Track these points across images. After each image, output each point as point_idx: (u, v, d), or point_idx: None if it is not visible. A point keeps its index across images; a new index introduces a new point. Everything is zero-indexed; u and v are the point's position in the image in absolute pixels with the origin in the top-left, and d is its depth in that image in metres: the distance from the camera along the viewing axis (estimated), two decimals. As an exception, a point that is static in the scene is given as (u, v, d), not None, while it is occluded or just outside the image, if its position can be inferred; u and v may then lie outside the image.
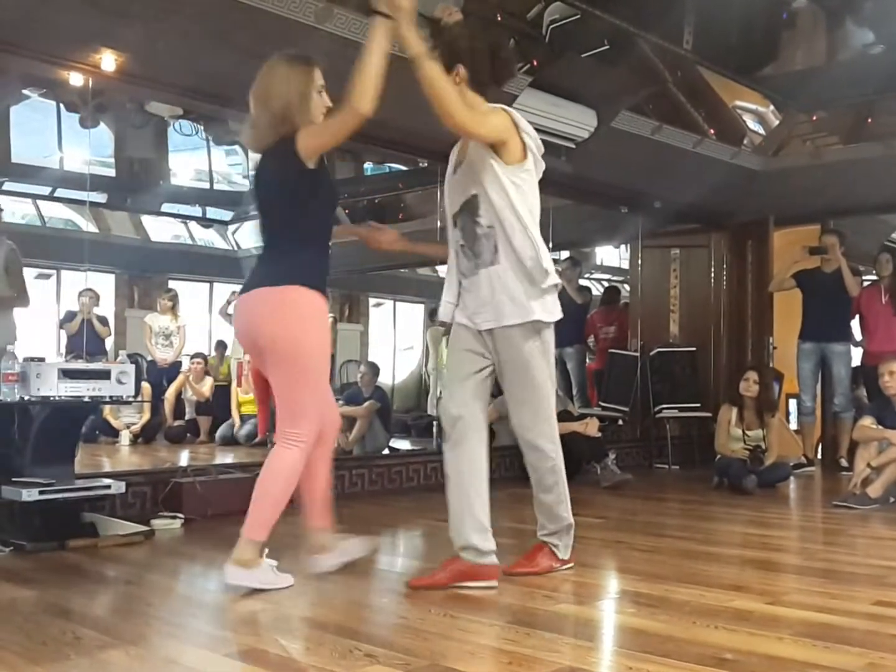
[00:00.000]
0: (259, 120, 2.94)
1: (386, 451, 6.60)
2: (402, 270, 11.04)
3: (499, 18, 6.15)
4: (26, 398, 3.57)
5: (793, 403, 8.02)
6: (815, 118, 8.03)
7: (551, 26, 6.28)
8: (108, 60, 4.13)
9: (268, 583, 2.85)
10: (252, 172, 3.03)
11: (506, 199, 2.90)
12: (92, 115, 6.99)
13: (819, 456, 7.32)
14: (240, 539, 2.84)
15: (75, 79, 4.59)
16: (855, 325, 7.02)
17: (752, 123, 8.33)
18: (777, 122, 8.19)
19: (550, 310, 2.96)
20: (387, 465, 5.64)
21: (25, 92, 7.36)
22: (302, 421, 2.86)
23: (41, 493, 3.53)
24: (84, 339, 7.10)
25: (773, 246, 7.75)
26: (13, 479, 3.63)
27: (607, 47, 6.20)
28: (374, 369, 7.11)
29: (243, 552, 2.82)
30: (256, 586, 2.82)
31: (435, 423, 7.03)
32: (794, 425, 8.02)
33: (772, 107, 8.29)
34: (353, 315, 11.89)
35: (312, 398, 2.89)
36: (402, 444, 7.54)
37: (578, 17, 6.03)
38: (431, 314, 9.30)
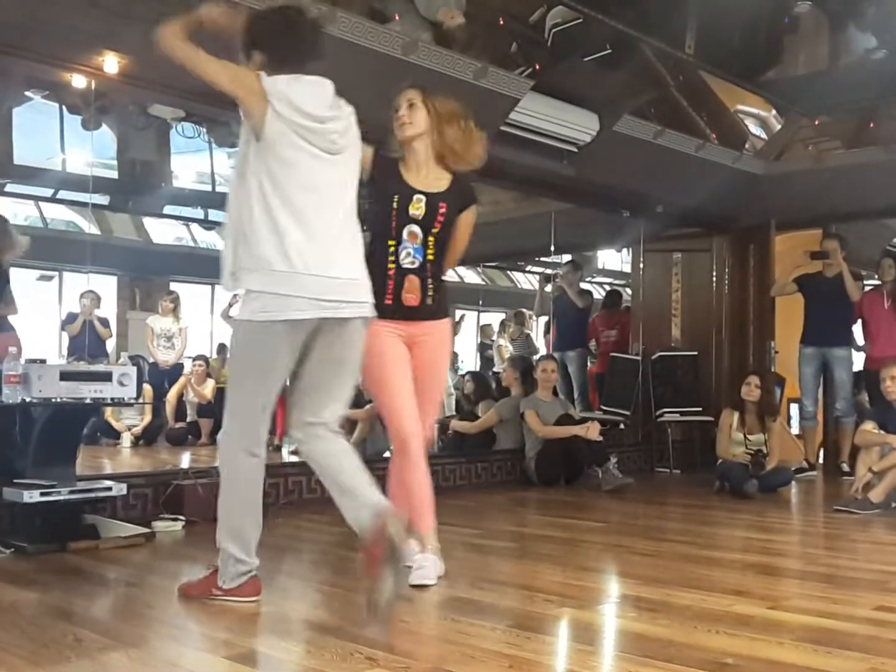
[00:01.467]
0: None
1: (387, 455, 6.59)
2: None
3: (501, 22, 6.16)
4: (28, 400, 3.57)
5: (794, 408, 8.02)
6: (817, 123, 8.03)
7: (553, 30, 6.28)
8: (111, 63, 4.13)
9: None
10: None
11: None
12: (94, 117, 7.00)
13: (820, 461, 7.31)
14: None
15: (78, 81, 4.59)
16: (857, 329, 7.02)
17: (754, 128, 8.34)
18: (779, 127, 8.20)
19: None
20: (387, 469, 5.62)
21: (28, 94, 7.36)
22: None
23: (42, 494, 3.53)
24: (86, 341, 7.11)
25: (775, 250, 7.75)
26: (14, 481, 3.62)
27: (609, 51, 6.21)
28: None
29: None
30: None
31: (435, 426, 7.03)
32: (795, 430, 8.01)
33: (774, 111, 8.30)
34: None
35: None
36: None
37: (581, 21, 6.03)
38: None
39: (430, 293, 3.13)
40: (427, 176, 3.17)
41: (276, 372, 2.66)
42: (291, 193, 2.63)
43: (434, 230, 3.12)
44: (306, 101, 2.67)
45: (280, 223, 2.59)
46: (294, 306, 2.57)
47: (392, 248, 3.11)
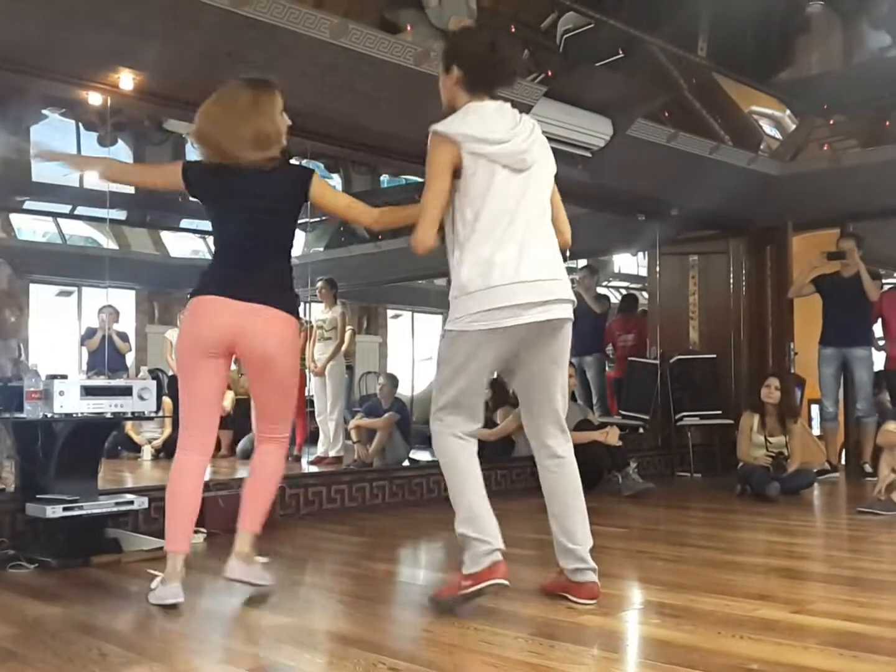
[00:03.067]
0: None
1: (406, 463, 6.60)
2: (420, 282, 11.06)
3: (512, 30, 6.17)
4: (49, 415, 3.60)
5: (815, 409, 7.96)
6: (832, 122, 7.99)
7: (565, 36, 6.29)
8: (127, 79, 4.18)
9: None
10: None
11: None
12: (110, 133, 7.05)
13: (843, 462, 7.25)
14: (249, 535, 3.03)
15: (94, 98, 4.64)
16: (877, 329, 6.97)
17: (768, 128, 8.31)
18: (794, 127, 8.16)
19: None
20: (407, 477, 5.64)
21: (45, 112, 7.44)
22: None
23: (65, 509, 3.56)
24: (106, 356, 7.16)
25: (792, 251, 7.71)
26: (37, 497, 3.66)
27: (622, 56, 6.21)
28: (394, 381, 7.11)
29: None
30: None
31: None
32: (816, 431, 7.95)
33: (788, 111, 8.27)
34: (372, 327, 11.92)
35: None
36: (423, 456, 7.53)
37: (592, 26, 6.04)
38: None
39: None
40: None
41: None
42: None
43: None
44: (484, 129, 2.79)
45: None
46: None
47: None
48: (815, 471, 6.23)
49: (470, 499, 2.77)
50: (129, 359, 8.07)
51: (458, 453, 2.83)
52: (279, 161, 2.99)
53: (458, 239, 2.78)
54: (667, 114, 6.76)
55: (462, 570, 2.73)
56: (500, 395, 7.19)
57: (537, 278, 2.75)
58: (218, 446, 8.11)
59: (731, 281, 7.81)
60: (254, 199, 2.95)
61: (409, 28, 5.17)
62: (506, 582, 2.72)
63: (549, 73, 6.05)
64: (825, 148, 7.89)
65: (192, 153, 8.97)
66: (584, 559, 2.86)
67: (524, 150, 2.83)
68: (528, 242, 2.77)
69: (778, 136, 8.36)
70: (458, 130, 2.77)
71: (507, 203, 2.78)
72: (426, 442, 8.81)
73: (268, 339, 2.92)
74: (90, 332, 7.62)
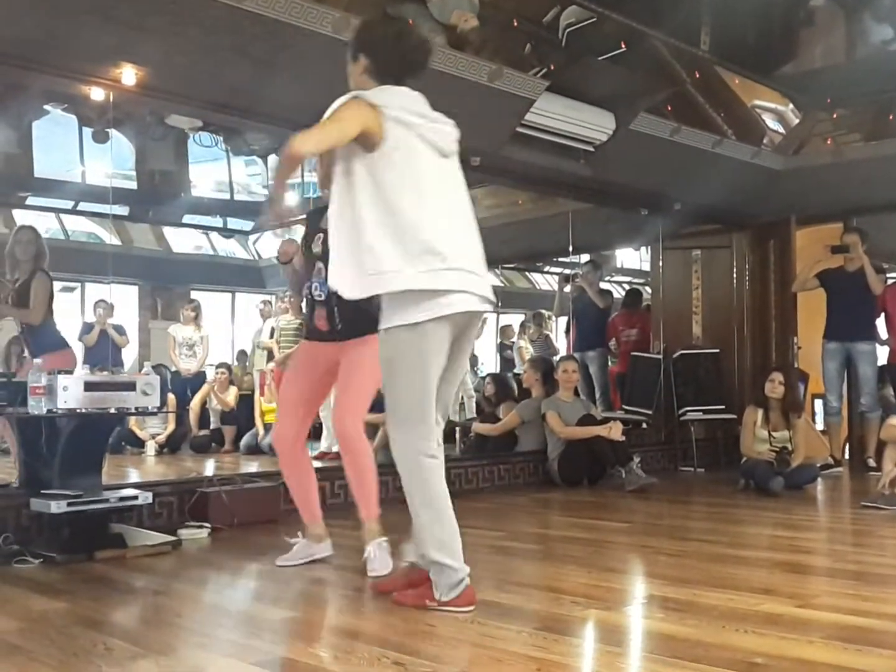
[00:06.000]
0: None
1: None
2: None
3: (515, 24, 6.15)
4: (53, 411, 3.61)
5: (818, 404, 7.95)
6: (835, 116, 7.96)
7: (567, 30, 6.27)
8: (129, 74, 4.18)
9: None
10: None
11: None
12: (102, 130, 7.05)
13: (846, 456, 7.24)
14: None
15: (96, 93, 4.64)
16: (880, 323, 6.96)
17: (771, 122, 8.26)
18: (797, 121, 8.13)
19: None
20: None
21: (47, 107, 7.45)
22: None
23: (69, 504, 3.56)
24: (109, 350, 7.18)
25: (796, 245, 7.69)
26: (42, 492, 3.67)
27: (624, 49, 6.19)
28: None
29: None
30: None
31: (457, 429, 7.03)
32: (820, 426, 7.94)
33: (791, 105, 8.23)
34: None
35: None
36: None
37: (594, 20, 6.01)
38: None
39: (338, 319, 3.41)
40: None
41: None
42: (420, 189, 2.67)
43: None
44: (412, 104, 2.74)
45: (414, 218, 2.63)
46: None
47: (307, 285, 3.50)
48: (818, 465, 6.22)
49: (446, 524, 2.67)
50: (131, 353, 8.08)
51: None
52: None
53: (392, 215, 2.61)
54: (669, 108, 6.73)
55: (433, 593, 2.66)
56: (503, 391, 7.20)
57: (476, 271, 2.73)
58: (221, 442, 8.14)
59: (735, 275, 7.80)
60: None
61: (410, 22, 5.16)
62: (473, 609, 2.67)
63: (552, 68, 6.02)
64: (828, 142, 7.86)
65: (194, 148, 8.99)
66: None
67: (450, 132, 2.78)
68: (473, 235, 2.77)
69: (781, 130, 8.32)
70: (379, 98, 2.66)
71: (445, 187, 2.73)
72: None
73: None
74: (87, 328, 7.64)
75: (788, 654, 2.25)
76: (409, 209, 2.63)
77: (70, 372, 3.74)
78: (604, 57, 6.07)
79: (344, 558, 3.63)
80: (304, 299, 3.61)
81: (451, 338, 2.71)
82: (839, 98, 7.39)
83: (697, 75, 6.94)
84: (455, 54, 4.83)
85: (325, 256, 3.18)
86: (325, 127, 2.65)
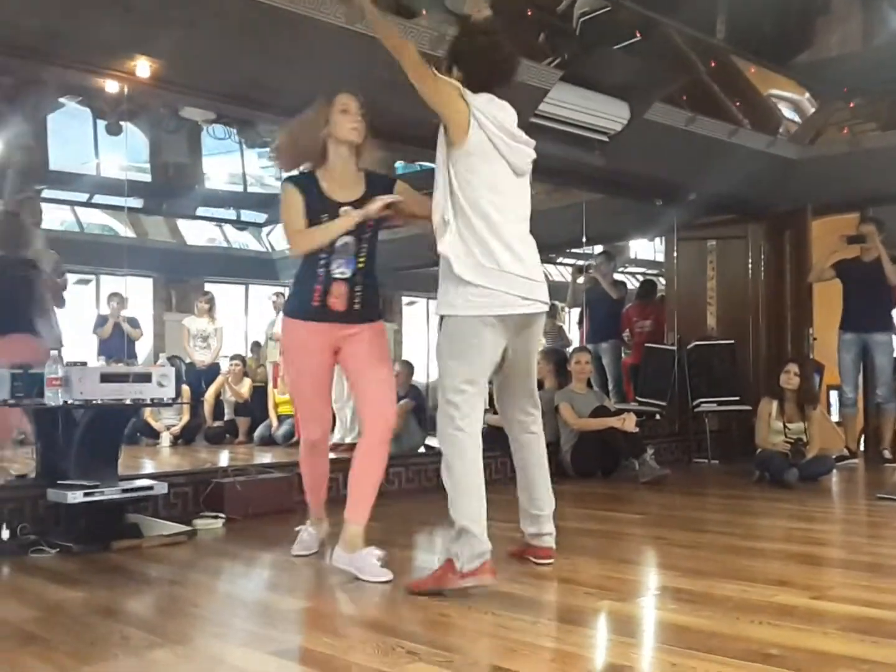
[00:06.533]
0: None
1: (422, 450, 6.60)
2: (435, 268, 11.03)
3: (529, 13, 6.12)
4: (70, 402, 3.63)
5: (834, 395, 7.90)
6: (851, 105, 7.89)
7: (581, 19, 6.23)
8: (143, 67, 4.18)
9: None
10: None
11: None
12: (115, 122, 7.05)
13: (862, 448, 7.21)
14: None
15: (110, 86, 4.65)
16: (896, 314, 6.92)
17: (787, 112, 8.21)
18: (813, 110, 8.07)
19: None
20: (423, 464, 5.65)
21: (62, 100, 7.46)
22: None
23: (86, 495, 3.59)
24: (124, 342, 7.20)
25: (812, 235, 7.64)
26: (58, 482, 3.69)
27: (639, 38, 6.14)
28: (409, 368, 7.12)
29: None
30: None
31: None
32: (835, 417, 7.90)
33: (807, 94, 8.17)
34: (387, 314, 11.93)
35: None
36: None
37: (609, 9, 5.98)
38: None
39: (357, 300, 3.23)
40: (346, 184, 3.25)
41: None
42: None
43: (365, 236, 3.22)
44: (504, 118, 2.93)
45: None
46: None
47: (323, 260, 3.19)
48: (833, 457, 6.19)
49: (477, 495, 2.83)
50: (146, 345, 8.11)
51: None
52: None
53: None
54: (684, 97, 6.70)
55: (455, 564, 2.72)
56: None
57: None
58: (235, 433, 8.18)
59: (750, 266, 7.76)
60: None
61: (423, 12, 5.14)
62: (495, 583, 2.75)
63: (566, 57, 5.99)
64: (845, 131, 7.80)
65: (208, 141, 9.01)
66: (547, 525, 3.14)
67: (529, 154, 3.03)
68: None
69: (797, 119, 8.26)
70: (473, 99, 2.86)
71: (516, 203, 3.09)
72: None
73: None
74: (101, 321, 7.67)
75: (803, 645, 2.24)
76: (490, 213, 2.95)
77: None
78: (618, 46, 6.04)
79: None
80: (305, 274, 3.25)
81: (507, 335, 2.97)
82: (856, 87, 7.33)
83: (713, 64, 6.89)
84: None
85: (357, 231, 3.19)
86: (420, 65, 2.80)
